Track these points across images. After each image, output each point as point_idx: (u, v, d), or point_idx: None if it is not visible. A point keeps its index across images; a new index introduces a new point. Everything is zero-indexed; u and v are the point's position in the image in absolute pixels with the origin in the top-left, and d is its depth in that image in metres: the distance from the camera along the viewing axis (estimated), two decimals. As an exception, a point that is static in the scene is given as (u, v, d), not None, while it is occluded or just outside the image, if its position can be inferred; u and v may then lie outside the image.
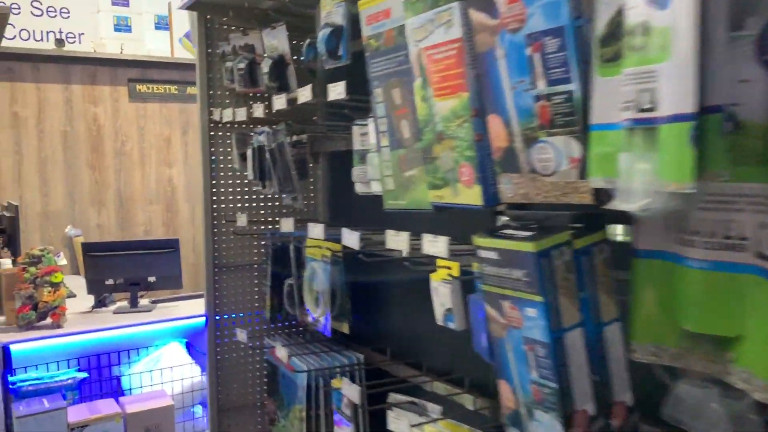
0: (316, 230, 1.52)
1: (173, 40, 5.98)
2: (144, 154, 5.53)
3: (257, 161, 1.75)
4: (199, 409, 3.45)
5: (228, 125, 2.04)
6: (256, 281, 2.06)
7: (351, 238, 1.35)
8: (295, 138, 1.72)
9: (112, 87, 5.38)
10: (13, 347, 3.32)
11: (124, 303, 3.86)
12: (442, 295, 1.17)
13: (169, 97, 5.61)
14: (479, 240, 1.01)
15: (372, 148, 1.39)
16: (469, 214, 1.11)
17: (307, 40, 1.58)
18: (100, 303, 3.85)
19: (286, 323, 2.05)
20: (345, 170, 1.55)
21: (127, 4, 5.75)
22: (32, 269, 3.39)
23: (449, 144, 1.05)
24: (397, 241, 1.20)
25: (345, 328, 1.62)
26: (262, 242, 2.04)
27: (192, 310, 3.73)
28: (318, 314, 1.60)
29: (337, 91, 1.31)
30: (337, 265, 1.59)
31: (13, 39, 5.25)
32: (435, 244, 1.09)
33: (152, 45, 5.67)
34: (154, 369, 3.37)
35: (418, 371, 1.59)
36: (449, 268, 1.17)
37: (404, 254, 1.20)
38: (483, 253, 1.00)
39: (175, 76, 5.62)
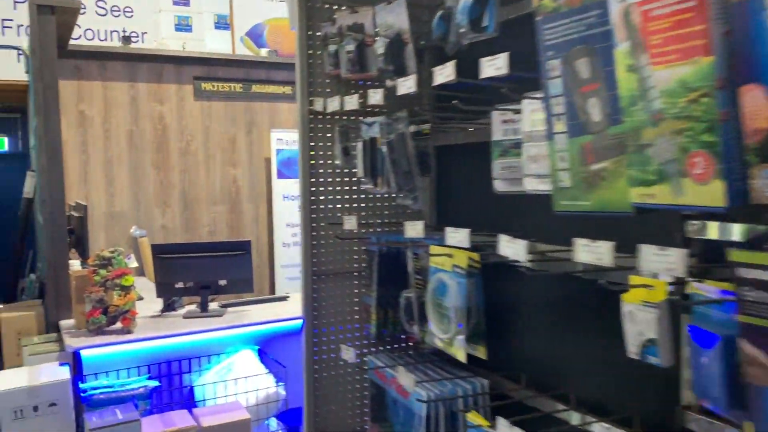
0: (457, 236, 1.27)
1: (234, 39, 5.86)
2: (209, 154, 5.41)
3: (368, 156, 1.53)
4: (273, 423, 3.26)
5: (329, 117, 1.81)
6: (356, 291, 1.84)
7: (514, 248, 1.11)
8: (413, 129, 1.49)
9: (177, 85, 5.28)
10: (83, 353, 3.20)
11: (193, 307, 3.71)
12: (643, 323, 0.92)
13: (234, 95, 5.48)
14: (740, 255, 0.76)
15: (523, 137, 1.14)
16: (642, 219, 0.86)
17: (439, 12, 1.34)
18: (168, 307, 3.70)
19: (388, 338, 1.82)
20: (467, 165, 1.31)
21: (187, 4, 5.65)
22: (102, 272, 3.26)
23: (673, 126, 0.81)
24: (593, 252, 0.96)
25: (480, 352, 1.37)
26: (363, 248, 1.82)
27: (263, 316, 3.55)
28: (448, 334, 1.37)
29: (495, 65, 1.07)
30: (473, 278, 1.35)
31: (78, 39, 5.20)
32: (663, 257, 0.84)
33: (213, 45, 5.57)
34: (227, 379, 3.19)
35: (563, 404, 1.34)
36: (649, 286, 0.92)
37: (603, 266, 0.95)
38: (744, 272, 0.75)
39: (239, 74, 5.49)
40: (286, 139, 5.45)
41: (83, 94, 4.94)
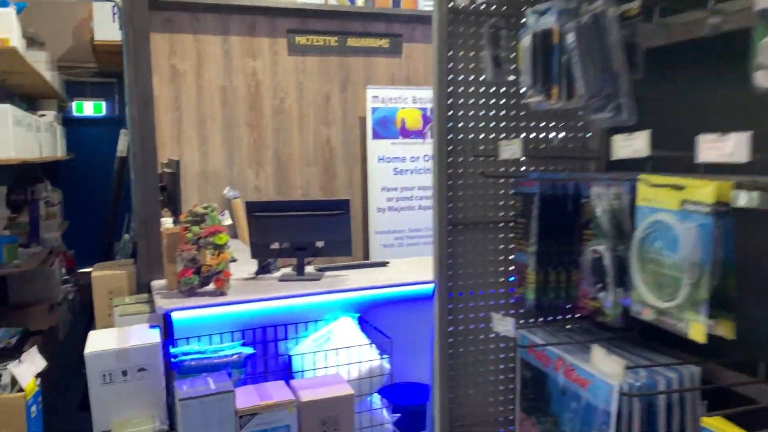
0: (726, 147, 0.82)
1: (327, -9, 5.50)
2: (302, 113, 5.12)
3: (539, 56, 1.12)
4: (376, 399, 2.94)
5: (473, 17, 1.39)
6: (503, 246, 1.44)
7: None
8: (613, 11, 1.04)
9: (270, 39, 4.99)
10: (174, 315, 2.97)
11: (289, 270, 3.44)
12: None
13: (328, 49, 5.15)
14: None
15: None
16: None
17: None
18: (263, 269, 3.44)
19: (548, 308, 1.40)
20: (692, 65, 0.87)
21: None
22: (195, 228, 3.01)
23: None
24: None
25: (724, 329, 0.95)
26: (514, 191, 1.42)
27: (363, 281, 3.22)
28: (673, 302, 0.95)
29: None
30: (722, 220, 0.91)
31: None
32: None
33: (304, -3, 5.22)
34: (326, 348, 2.89)
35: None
36: None
37: None
38: None
39: (334, 26, 5.15)
40: (381, 97, 5.08)
41: (175, 47, 4.74)
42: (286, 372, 3.01)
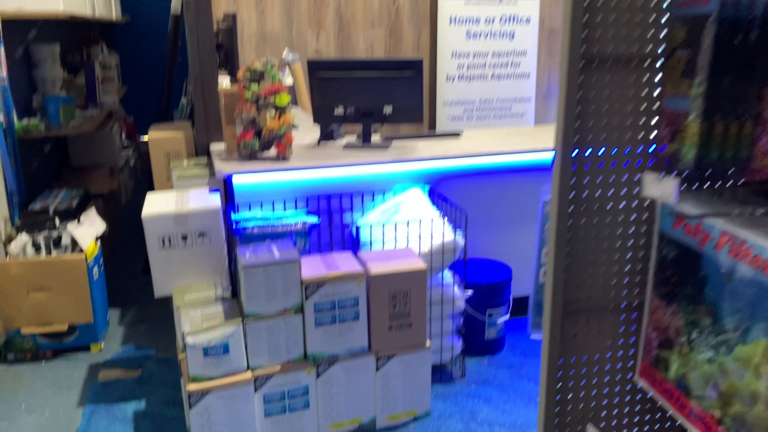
0: None
1: None
2: (366, -33, 4.64)
3: None
4: (447, 275, 2.74)
5: None
6: (646, 91, 1.11)
7: None
8: None
9: None
10: (235, 181, 2.79)
11: (353, 138, 3.17)
12: None
13: None
14: None
15: None
16: None
17: None
18: (326, 136, 3.19)
19: (709, 168, 1.10)
20: None
21: None
22: (254, 87, 2.75)
23: None
24: None
25: None
26: (665, 18, 1.07)
27: (434, 151, 2.94)
28: None
29: None
30: None
31: None
32: None
33: None
34: (397, 221, 2.67)
35: None
36: None
37: None
38: None
39: None
40: (455, -50, 4.54)
41: None
42: (352, 244, 2.82)
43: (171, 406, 2.65)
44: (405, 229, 2.62)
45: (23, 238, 3.03)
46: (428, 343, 2.45)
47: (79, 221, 3.14)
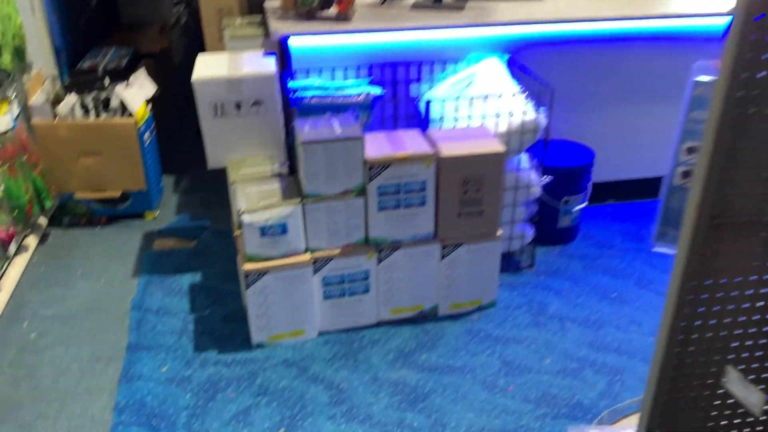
0: None
1: None
2: None
3: None
4: (524, 159, 2.49)
5: None
6: None
7: None
8: None
9: None
10: (291, 43, 2.51)
11: (424, -3, 2.82)
12: None
13: None
14: None
15: None
16: None
17: None
18: (393, -6, 2.84)
19: None
20: None
21: None
22: (315, -67, 2.40)
23: None
24: None
25: None
26: None
27: (516, 14, 2.58)
28: None
29: None
30: None
31: None
32: None
33: None
34: (471, 95, 2.39)
35: None
36: None
37: None
38: None
39: None
40: None
41: None
42: (419, 120, 2.57)
43: (227, 279, 2.57)
44: (480, 105, 2.34)
45: (71, 98, 2.87)
46: (499, 232, 2.25)
47: (128, 83, 2.95)
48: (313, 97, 2.36)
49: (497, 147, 2.12)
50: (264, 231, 2.05)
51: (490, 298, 2.37)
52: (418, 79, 2.66)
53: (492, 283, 2.33)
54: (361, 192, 2.09)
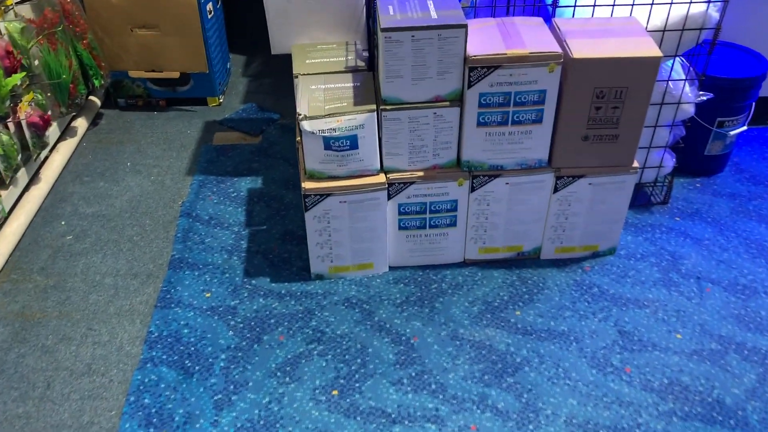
0: None
1: None
2: None
3: None
4: (678, 66, 1.87)
5: None
6: None
7: None
8: None
9: None
10: None
11: None
12: None
13: None
14: None
15: None
16: None
17: None
18: None
19: None
20: None
21: None
22: None
23: None
24: None
25: None
26: None
27: None
28: None
29: None
30: None
31: None
32: None
33: None
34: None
35: None
36: None
37: None
38: None
39: None
40: None
41: None
42: (543, 6, 1.97)
43: (291, 187, 2.19)
44: (628, -11, 1.73)
45: (125, -42, 2.43)
46: (635, 163, 1.71)
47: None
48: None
49: (651, 49, 1.53)
50: (329, 143, 1.61)
51: (610, 244, 1.87)
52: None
53: (615, 225, 1.83)
54: (457, 100, 1.59)
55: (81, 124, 2.48)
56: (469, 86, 1.55)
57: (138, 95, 2.64)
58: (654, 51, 1.52)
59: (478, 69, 1.52)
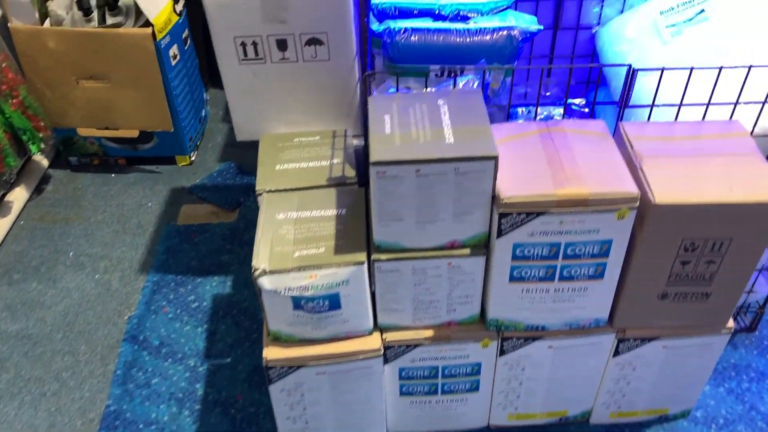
0: None
1: None
2: None
3: None
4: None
5: None
6: None
7: None
8: None
9: None
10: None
11: None
12: None
13: None
14: None
15: None
16: None
17: None
18: None
19: None
20: None
21: None
22: None
23: None
24: None
25: None
26: None
27: None
28: None
29: None
30: None
31: None
32: None
33: None
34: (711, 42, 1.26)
35: None
36: None
37: None
38: None
39: None
40: None
41: None
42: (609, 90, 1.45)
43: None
44: (727, 66, 1.21)
45: (67, -9, 1.96)
46: (730, 322, 1.22)
47: (145, -31, 1.98)
48: (410, 32, 1.33)
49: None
50: (299, 303, 1.14)
51: (685, 406, 1.39)
52: (601, -4, 1.53)
53: (694, 388, 1.35)
54: (482, 247, 1.11)
55: (19, 195, 2.04)
56: (499, 235, 1.07)
57: (92, 153, 2.18)
58: (776, 191, 1.02)
59: (512, 215, 1.04)
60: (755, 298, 1.52)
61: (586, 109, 1.51)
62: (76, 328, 1.67)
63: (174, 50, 2.02)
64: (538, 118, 1.59)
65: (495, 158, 1.00)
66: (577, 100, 1.57)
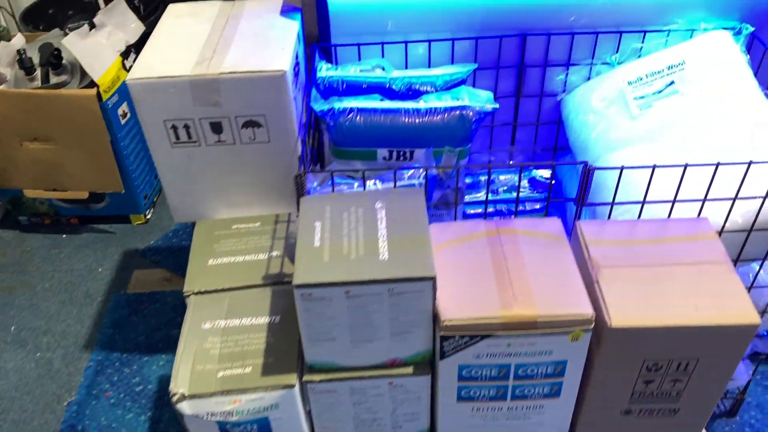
0: None
1: None
2: None
3: None
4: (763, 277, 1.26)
5: None
6: None
7: None
8: None
9: None
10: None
11: None
12: None
13: None
14: None
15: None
16: None
17: None
18: None
19: None
20: None
21: None
22: None
23: None
24: None
25: None
26: None
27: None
28: None
29: None
30: None
31: None
32: None
33: None
34: (680, 119, 1.17)
35: None
36: None
37: None
38: None
39: None
40: None
41: None
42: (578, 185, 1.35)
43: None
44: (695, 148, 1.11)
45: (8, 48, 1.85)
46: (703, 434, 1.12)
47: (92, 25, 1.87)
48: (357, 113, 1.23)
49: (740, 307, 0.93)
50: (225, 428, 1.03)
51: None
52: (565, 64, 1.43)
53: (667, 496, 1.23)
54: (426, 366, 1.01)
55: (-39, 262, 1.92)
56: (443, 357, 0.96)
57: (43, 213, 2.07)
58: (746, 311, 0.92)
59: (455, 338, 0.93)
60: (735, 385, 1.42)
61: (552, 181, 1.41)
62: (11, 417, 1.56)
63: (123, 108, 1.91)
64: (501, 188, 1.50)
65: (432, 279, 0.90)
66: (541, 171, 1.48)
